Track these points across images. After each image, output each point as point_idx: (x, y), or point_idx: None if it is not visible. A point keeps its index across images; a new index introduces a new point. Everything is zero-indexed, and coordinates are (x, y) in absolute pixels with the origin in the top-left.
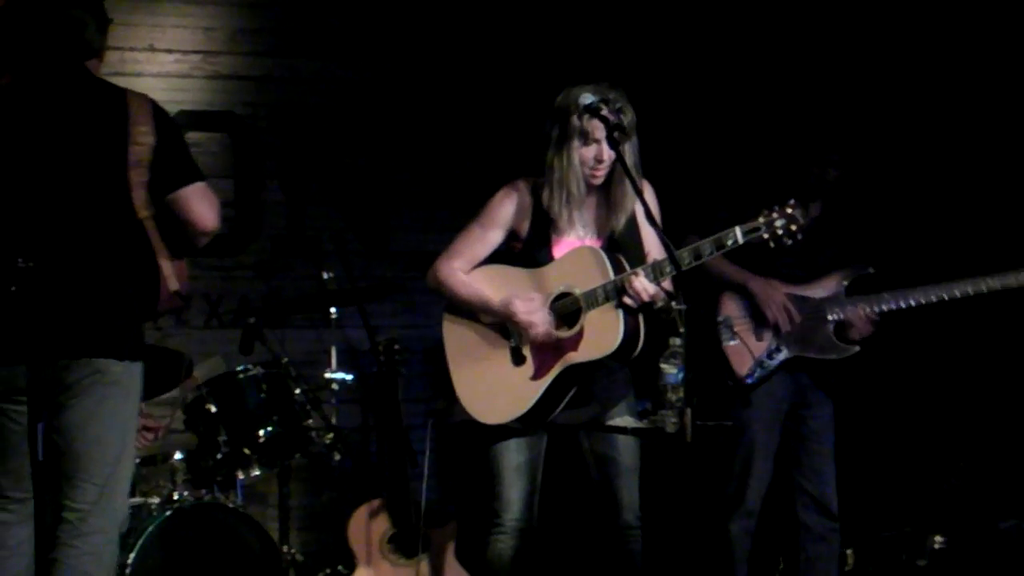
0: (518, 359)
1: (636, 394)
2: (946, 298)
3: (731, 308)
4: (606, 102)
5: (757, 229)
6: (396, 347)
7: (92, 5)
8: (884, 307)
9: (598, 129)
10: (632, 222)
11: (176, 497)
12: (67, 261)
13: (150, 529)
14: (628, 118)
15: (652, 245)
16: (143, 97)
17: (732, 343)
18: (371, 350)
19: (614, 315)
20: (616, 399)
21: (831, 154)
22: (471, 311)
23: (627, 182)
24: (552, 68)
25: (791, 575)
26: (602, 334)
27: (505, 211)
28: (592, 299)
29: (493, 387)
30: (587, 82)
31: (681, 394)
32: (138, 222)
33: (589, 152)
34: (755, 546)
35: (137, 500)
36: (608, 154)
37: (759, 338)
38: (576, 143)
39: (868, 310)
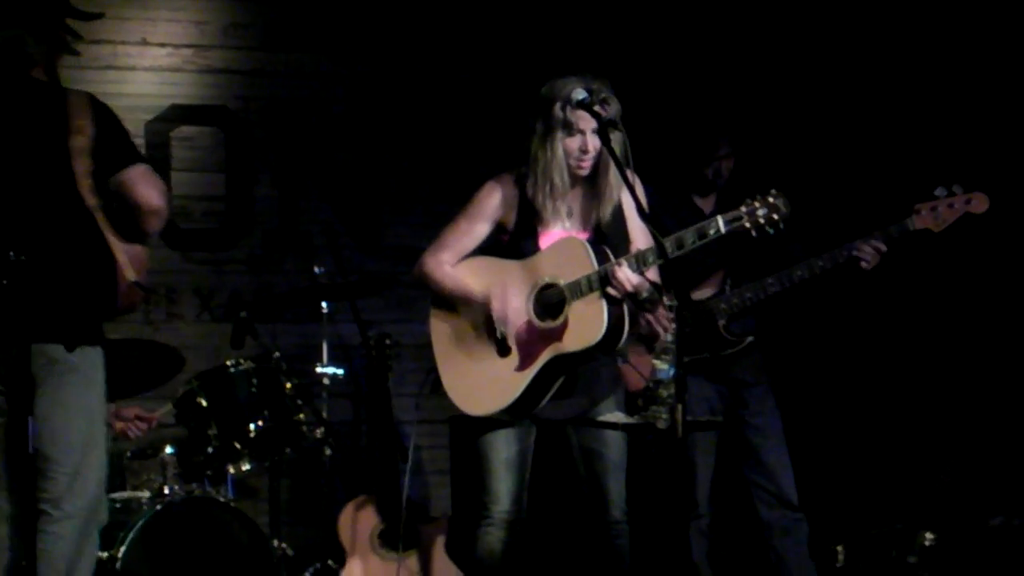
0: (504, 350)
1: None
2: (817, 271)
3: None
4: (591, 93)
5: (739, 219)
6: (387, 342)
7: (27, 19)
8: (770, 288)
9: (582, 120)
10: (618, 213)
11: (167, 491)
12: (16, 251)
13: (140, 523)
14: (613, 109)
15: (638, 236)
16: (80, 92)
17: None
18: (362, 345)
19: (598, 305)
20: (604, 394)
21: (718, 149)
22: (457, 303)
23: (611, 173)
24: (542, 61)
25: (763, 568)
26: (586, 325)
27: (491, 204)
28: (576, 290)
29: (479, 379)
30: (573, 73)
31: (672, 390)
32: (87, 212)
33: (574, 143)
34: (715, 546)
35: (127, 494)
36: (593, 145)
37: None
38: (560, 134)
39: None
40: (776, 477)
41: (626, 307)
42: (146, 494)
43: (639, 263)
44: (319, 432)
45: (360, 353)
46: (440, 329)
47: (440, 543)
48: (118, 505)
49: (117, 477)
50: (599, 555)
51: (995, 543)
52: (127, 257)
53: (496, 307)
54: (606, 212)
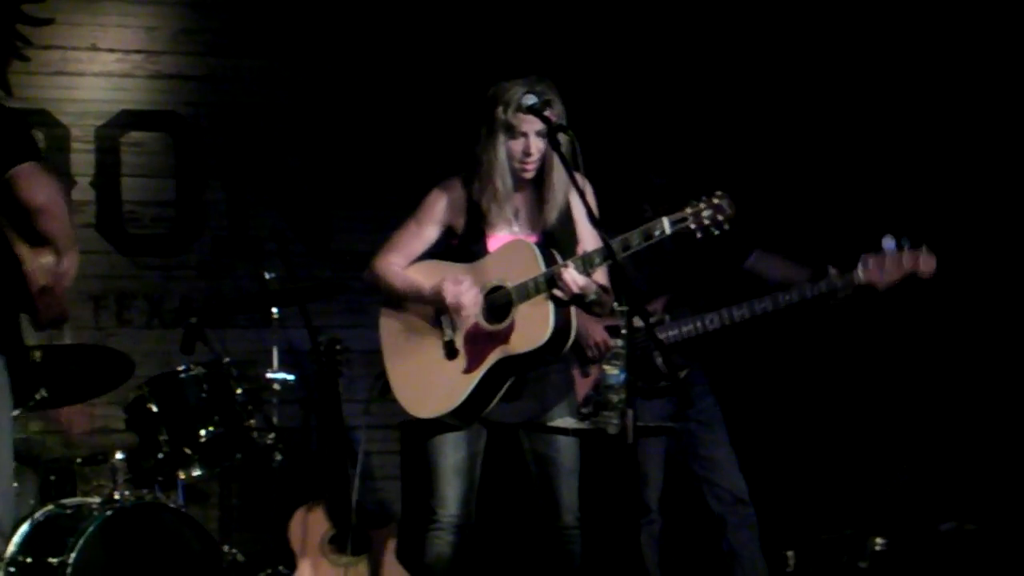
0: (451, 353)
1: None
2: (758, 312)
3: None
4: (539, 96)
5: (684, 220)
6: (338, 347)
7: None
8: (709, 325)
9: (525, 122)
10: (567, 216)
11: (117, 497)
12: None
13: (91, 529)
14: (556, 111)
15: (587, 239)
16: None
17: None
18: (312, 350)
19: (545, 308)
20: (556, 399)
21: (654, 181)
22: (406, 305)
23: (557, 176)
24: (491, 65)
25: (716, 570)
26: (533, 327)
27: (439, 207)
28: (523, 292)
29: (427, 381)
30: (519, 76)
31: (623, 395)
32: None
33: (517, 146)
34: (667, 552)
35: (78, 500)
36: (536, 147)
37: (585, 374)
38: (503, 137)
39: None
40: (725, 472)
41: (573, 309)
42: (97, 500)
43: (585, 265)
44: (269, 437)
45: (310, 358)
46: (389, 332)
47: (390, 548)
48: (69, 511)
49: (68, 483)
50: (550, 560)
51: (944, 548)
52: (39, 263)
53: (449, 294)
54: (552, 215)
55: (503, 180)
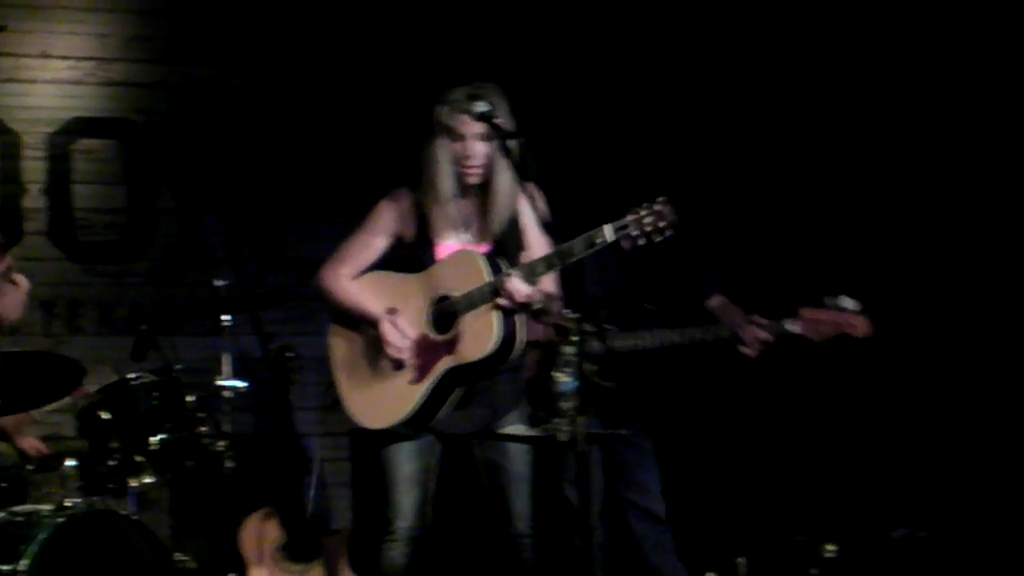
0: (399, 364)
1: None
2: (667, 343)
3: None
4: (484, 101)
5: (626, 227)
6: (289, 355)
7: None
8: (646, 346)
9: (463, 124)
10: (515, 226)
11: (68, 504)
12: None
13: (42, 536)
14: (503, 117)
15: (536, 248)
16: None
17: None
18: (264, 357)
19: (490, 317)
20: (508, 407)
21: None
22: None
23: (501, 184)
24: (444, 74)
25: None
26: (478, 336)
27: (388, 217)
28: (469, 302)
29: (376, 392)
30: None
31: (574, 402)
32: None
33: (458, 148)
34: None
35: (29, 507)
36: (475, 151)
37: None
38: (444, 140)
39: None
40: (647, 493)
41: (519, 318)
42: (48, 507)
43: (529, 274)
44: (220, 445)
45: (262, 366)
46: (338, 342)
47: (342, 555)
48: (20, 518)
49: (19, 490)
50: (503, 569)
51: (896, 555)
52: None
53: (386, 334)
54: (496, 223)
55: (444, 183)
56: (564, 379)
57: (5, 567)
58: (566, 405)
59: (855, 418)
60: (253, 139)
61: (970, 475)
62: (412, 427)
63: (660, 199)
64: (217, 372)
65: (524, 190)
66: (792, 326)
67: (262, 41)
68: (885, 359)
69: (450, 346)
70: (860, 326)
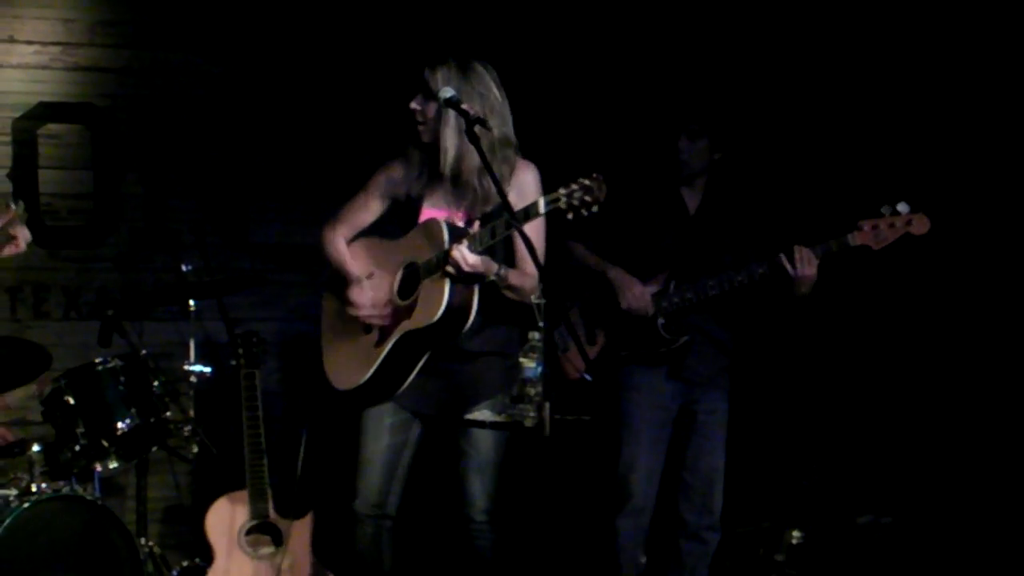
0: (367, 327)
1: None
2: (756, 277)
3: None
4: (450, 86)
5: (557, 200)
6: (255, 339)
7: None
8: (710, 292)
9: (420, 84)
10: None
11: (33, 489)
12: None
13: (7, 521)
14: (476, 101)
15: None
16: None
17: (566, 351)
18: (230, 342)
19: (442, 285)
20: (483, 393)
21: (690, 124)
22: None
23: (447, 147)
24: (412, 60)
25: (661, 569)
26: (430, 303)
27: (382, 180)
28: (427, 269)
29: (346, 354)
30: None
31: (540, 388)
32: None
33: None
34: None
35: None
36: (419, 110)
37: (592, 340)
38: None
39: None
40: (706, 481)
41: (469, 288)
42: (13, 492)
43: (475, 243)
44: (187, 430)
45: (228, 351)
46: (327, 307)
47: (307, 540)
48: None
49: None
50: (461, 554)
51: (861, 541)
52: None
53: (351, 295)
54: (466, 200)
55: (413, 143)
56: (530, 365)
57: None
58: (532, 391)
59: (820, 404)
60: (219, 124)
61: (935, 461)
62: (373, 392)
63: (594, 175)
64: (183, 357)
65: (491, 172)
66: (852, 238)
67: (228, 26)
68: (848, 344)
69: (409, 311)
70: (919, 222)
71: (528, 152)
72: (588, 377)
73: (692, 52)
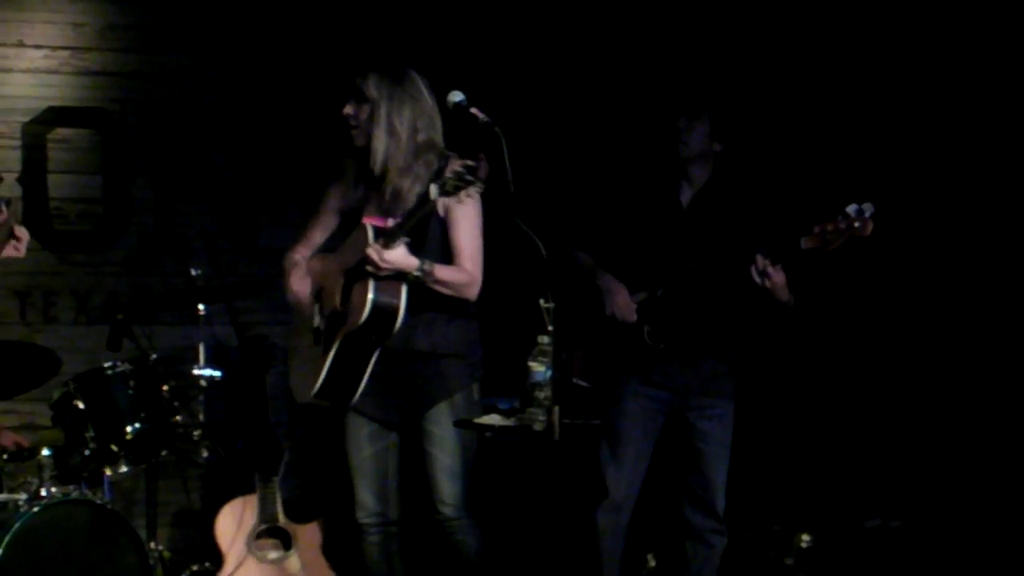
0: (317, 338)
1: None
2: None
3: None
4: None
5: (445, 183)
6: (264, 343)
7: None
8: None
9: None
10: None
11: (44, 493)
12: None
13: (17, 526)
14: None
15: (455, 231)
16: None
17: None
18: (239, 346)
19: (367, 284)
20: (439, 396)
21: (691, 104)
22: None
23: (376, 149)
24: (426, 63)
25: (669, 572)
26: (359, 304)
27: (329, 198)
28: (356, 272)
29: (303, 366)
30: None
31: (549, 392)
32: None
33: None
34: (630, 545)
35: (3, 496)
36: (352, 114)
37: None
38: None
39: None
40: (707, 484)
41: (393, 286)
42: (23, 496)
43: (388, 240)
44: (196, 434)
45: (237, 355)
46: (292, 326)
47: (317, 545)
48: None
49: None
50: (442, 552)
51: (870, 545)
52: None
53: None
54: (387, 200)
55: (348, 153)
56: (539, 369)
57: None
58: (541, 395)
59: (829, 408)
60: (229, 128)
61: (943, 464)
62: (331, 399)
63: (479, 155)
64: (193, 361)
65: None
66: (804, 242)
67: (237, 31)
68: (859, 349)
69: (345, 315)
70: (863, 224)
71: (531, 145)
72: (584, 383)
73: (695, 42)
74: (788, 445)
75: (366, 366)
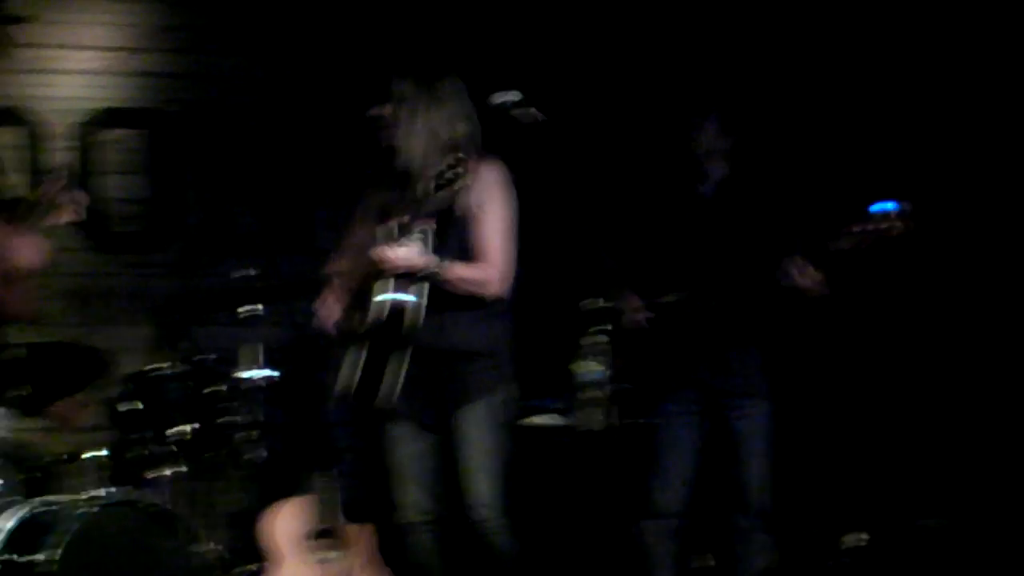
0: (356, 339)
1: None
2: None
3: None
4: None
5: (440, 178)
6: (320, 344)
7: None
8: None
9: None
10: (457, 204)
11: (101, 494)
12: None
13: (75, 527)
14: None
15: (482, 227)
16: None
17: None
18: (295, 347)
19: (385, 285)
20: (470, 397)
21: (700, 102)
22: None
23: (405, 147)
24: (476, 66)
25: (724, 572)
26: (380, 304)
27: (365, 206)
28: (374, 273)
29: (347, 363)
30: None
31: (607, 391)
32: None
33: None
34: (687, 548)
35: (63, 497)
36: (381, 115)
37: None
38: None
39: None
40: (748, 484)
41: (402, 285)
42: (81, 497)
43: (407, 238)
44: (252, 434)
45: (293, 355)
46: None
47: (372, 545)
48: (53, 508)
49: (53, 480)
50: (476, 552)
51: (925, 544)
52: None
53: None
54: (419, 193)
55: (378, 156)
56: (596, 368)
57: (39, 557)
58: (598, 394)
59: (884, 407)
60: (281, 128)
61: (996, 465)
62: (371, 401)
63: (459, 155)
64: (247, 361)
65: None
66: (834, 244)
67: (289, 31)
68: (912, 347)
69: (366, 317)
70: (893, 225)
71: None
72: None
73: (713, 38)
74: (843, 444)
75: (399, 366)
